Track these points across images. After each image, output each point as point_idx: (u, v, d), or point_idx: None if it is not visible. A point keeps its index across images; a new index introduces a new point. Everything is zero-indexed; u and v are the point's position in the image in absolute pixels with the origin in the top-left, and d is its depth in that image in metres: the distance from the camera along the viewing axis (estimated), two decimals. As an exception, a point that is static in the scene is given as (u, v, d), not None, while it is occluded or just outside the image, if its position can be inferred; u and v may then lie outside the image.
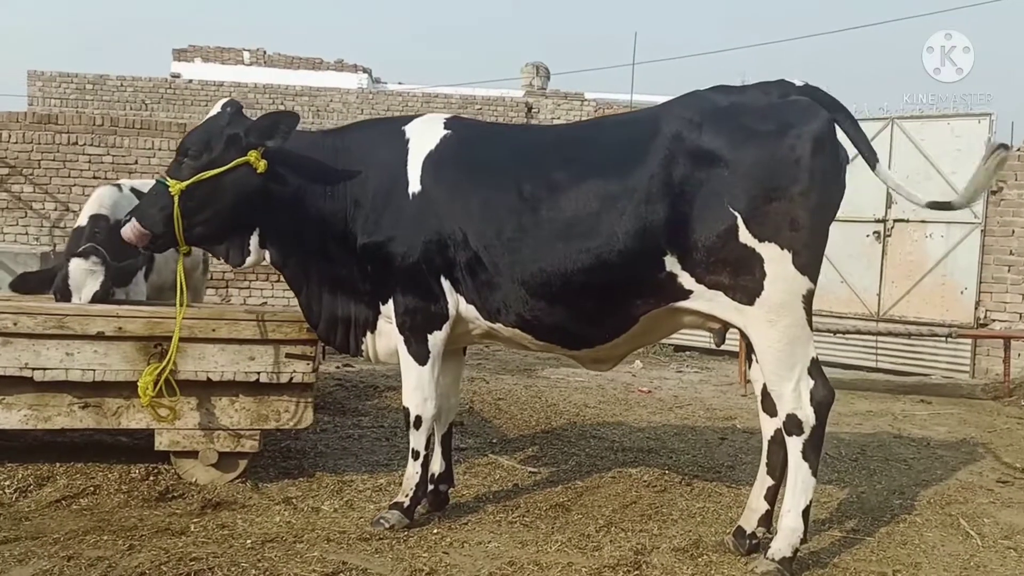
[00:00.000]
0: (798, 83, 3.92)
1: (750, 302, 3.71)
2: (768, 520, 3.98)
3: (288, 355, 4.53)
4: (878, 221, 10.64)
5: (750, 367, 4.14)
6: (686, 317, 3.95)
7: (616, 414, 7.09)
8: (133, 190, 6.25)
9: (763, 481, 4.02)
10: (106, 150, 11.85)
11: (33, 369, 4.30)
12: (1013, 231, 10.13)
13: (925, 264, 10.45)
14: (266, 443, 4.86)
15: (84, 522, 3.98)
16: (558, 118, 19.61)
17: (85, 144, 11.76)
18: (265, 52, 22.90)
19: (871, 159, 3.83)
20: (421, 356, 4.11)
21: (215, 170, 3.99)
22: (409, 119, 4.36)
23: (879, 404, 8.17)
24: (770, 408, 3.92)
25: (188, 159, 4.03)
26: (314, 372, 4.60)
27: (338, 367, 8.55)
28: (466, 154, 4.12)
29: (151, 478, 4.52)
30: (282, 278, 4.52)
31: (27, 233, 11.66)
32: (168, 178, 4.04)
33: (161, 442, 4.51)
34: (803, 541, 3.78)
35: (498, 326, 4.06)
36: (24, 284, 5.27)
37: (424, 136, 4.19)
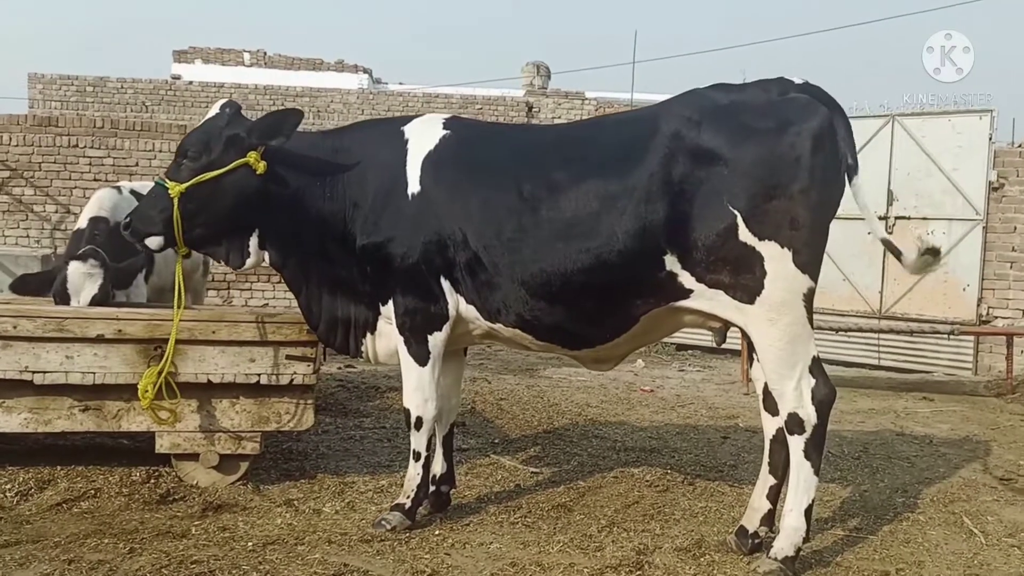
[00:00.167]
0: (797, 81, 3.90)
1: (751, 301, 3.69)
2: (770, 519, 3.97)
3: (288, 357, 4.52)
4: (879, 218, 10.61)
5: (752, 366, 4.12)
6: (687, 316, 3.94)
7: (618, 413, 7.08)
8: (133, 192, 6.25)
9: (765, 480, 4.00)
10: (107, 152, 11.86)
11: (33, 372, 4.30)
12: (1015, 228, 10.12)
13: (927, 261, 10.40)
14: (267, 445, 4.86)
15: (85, 525, 3.98)
16: (559, 117, 19.60)
17: (86, 146, 11.77)
18: (265, 53, 22.90)
19: (852, 168, 3.79)
20: (421, 357, 4.10)
21: (215, 172, 3.99)
22: (408, 119, 4.35)
23: (881, 402, 8.15)
24: (772, 407, 3.91)
25: (187, 161, 4.03)
26: (315, 374, 4.59)
27: (340, 368, 8.54)
28: (465, 154, 4.11)
29: (152, 481, 4.52)
30: (282, 279, 4.51)
31: (28, 236, 11.67)
32: (167, 180, 4.03)
33: (162, 445, 4.50)
34: (805, 540, 3.76)
35: (498, 326, 4.05)
36: (24, 286, 5.27)
37: (423, 136, 4.18)
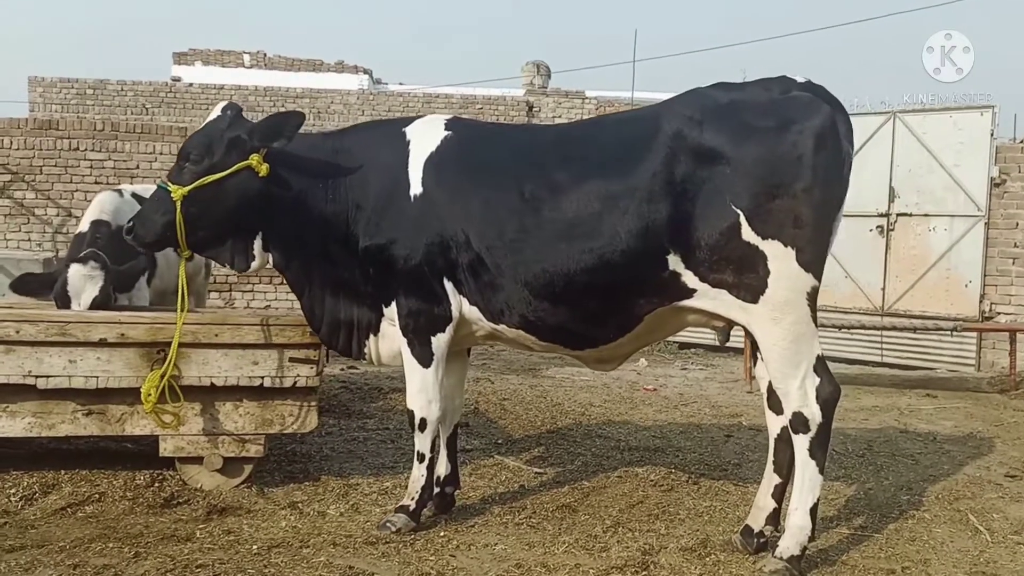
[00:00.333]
0: (799, 79, 3.90)
1: (754, 300, 3.69)
2: (776, 518, 3.97)
3: (292, 359, 4.52)
4: (881, 215, 10.62)
5: (755, 364, 4.11)
6: (690, 316, 3.93)
7: (622, 413, 7.07)
8: (135, 195, 6.25)
9: (770, 479, 4.00)
10: (107, 155, 11.86)
11: (36, 377, 4.30)
12: (1017, 223, 10.10)
13: (929, 258, 10.43)
14: (271, 447, 4.85)
15: (89, 530, 3.97)
16: (559, 116, 19.60)
17: (87, 149, 11.78)
18: (265, 55, 22.91)
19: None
20: (425, 358, 4.10)
21: (217, 174, 3.98)
22: (409, 120, 4.35)
23: (885, 399, 8.14)
24: (776, 406, 3.90)
25: (189, 164, 4.02)
26: (318, 376, 4.58)
27: (343, 369, 8.54)
28: (467, 155, 4.11)
29: (156, 484, 4.52)
30: (285, 281, 4.51)
31: (30, 239, 11.68)
32: (169, 183, 4.02)
33: (166, 448, 4.50)
34: (811, 539, 3.76)
35: (501, 327, 4.04)
36: (24, 286, 5.26)
37: (425, 137, 4.17)
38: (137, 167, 11.86)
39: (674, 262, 3.73)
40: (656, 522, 4.32)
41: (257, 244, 4.19)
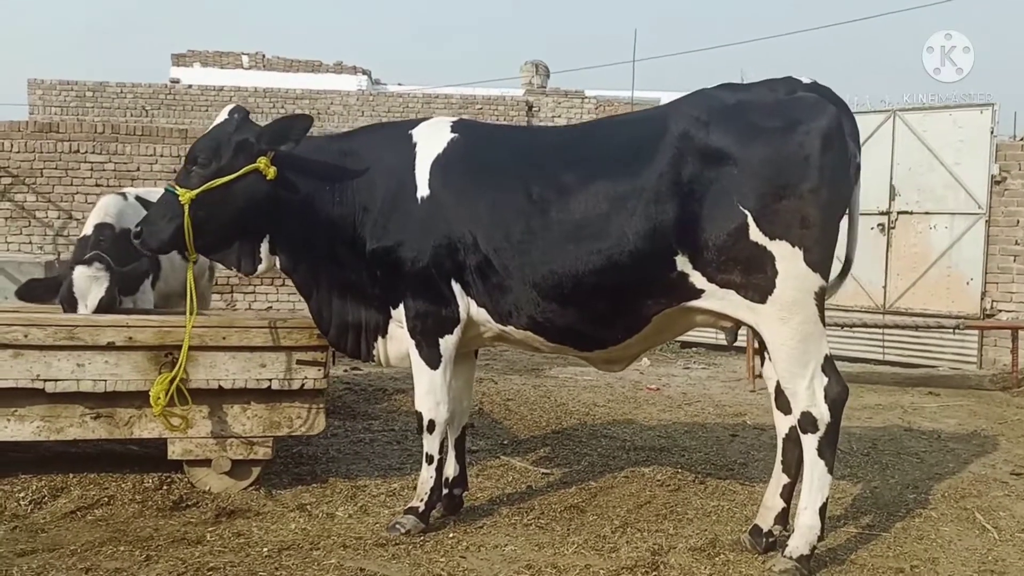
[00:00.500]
0: (805, 80, 3.91)
1: (762, 300, 3.70)
2: (784, 518, 3.98)
3: (300, 361, 4.53)
4: (882, 213, 10.62)
5: (763, 364, 4.12)
6: (698, 316, 3.94)
7: (626, 412, 7.08)
8: (138, 198, 6.26)
9: (779, 479, 4.01)
10: (108, 157, 11.85)
11: (45, 380, 4.30)
12: (1018, 221, 10.11)
13: (930, 256, 10.44)
14: (278, 449, 4.86)
15: (100, 533, 3.98)
16: (559, 116, 19.61)
17: (87, 152, 11.76)
18: (264, 56, 22.92)
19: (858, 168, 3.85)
20: (433, 360, 4.11)
21: (225, 177, 3.99)
22: (415, 123, 4.36)
23: (888, 397, 8.15)
24: (784, 406, 3.92)
25: (197, 167, 4.03)
26: (326, 378, 4.59)
27: (346, 371, 8.55)
28: (474, 157, 4.11)
29: (164, 487, 4.52)
30: (288, 282, 4.52)
31: (31, 242, 11.67)
32: (177, 187, 4.03)
33: (174, 451, 4.51)
34: (820, 538, 3.77)
35: (510, 329, 4.05)
36: (29, 292, 5.27)
37: (431, 139, 4.18)
38: (138, 169, 11.85)
39: (682, 263, 3.74)
40: (664, 522, 4.33)
41: (264, 247, 4.20)
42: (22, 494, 4.36)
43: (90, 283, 4.92)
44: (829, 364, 3.75)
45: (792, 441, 3.91)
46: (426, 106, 19.64)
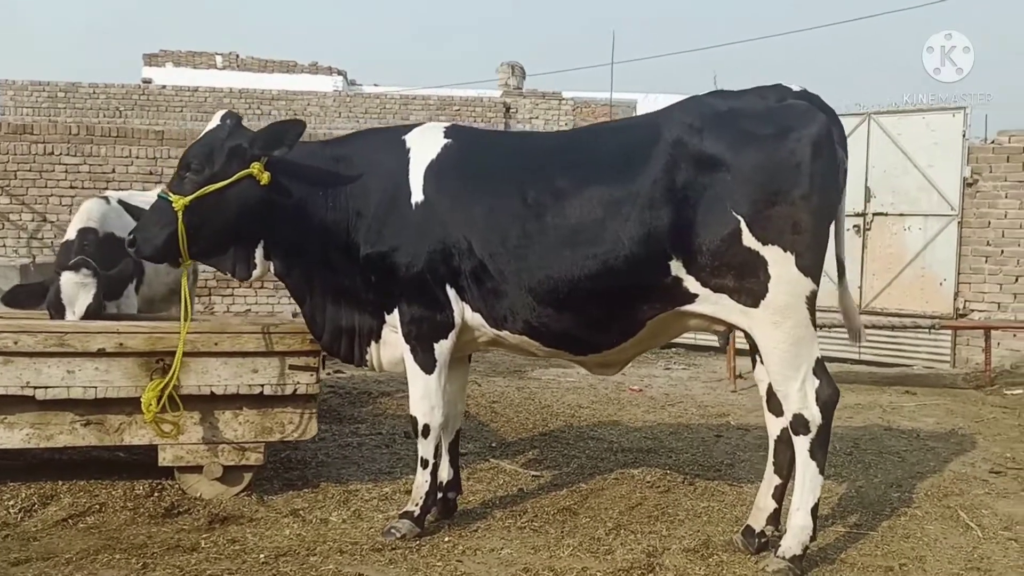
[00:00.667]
0: (795, 88, 3.97)
1: (755, 304, 3.76)
2: (776, 518, 4.04)
3: (292, 367, 4.52)
4: (858, 215, 10.76)
5: (754, 366, 4.18)
6: (692, 320, 3.99)
7: (611, 414, 7.13)
8: (121, 202, 6.22)
9: (770, 480, 4.07)
10: (83, 159, 11.70)
11: (35, 388, 4.27)
12: (989, 222, 10.30)
13: (905, 257, 10.60)
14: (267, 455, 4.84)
15: (93, 541, 3.95)
16: (536, 117, 19.66)
17: (61, 154, 11.61)
18: (238, 56, 22.75)
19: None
20: (428, 365, 4.12)
21: (219, 183, 3.98)
22: (408, 128, 4.37)
23: (866, 396, 8.27)
24: (776, 408, 3.98)
25: (191, 173, 4.01)
26: (317, 383, 4.59)
27: (329, 374, 8.51)
28: (468, 162, 4.13)
29: (156, 494, 4.50)
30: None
31: (5, 245, 11.51)
32: (171, 193, 4.01)
33: (165, 458, 4.48)
34: (812, 538, 3.83)
35: (505, 333, 4.07)
36: (14, 299, 5.21)
37: (425, 145, 4.20)
38: (113, 171, 11.71)
39: (676, 268, 3.79)
40: (657, 523, 4.38)
41: (259, 252, 4.19)
42: (11, 502, 4.32)
43: (78, 290, 4.88)
44: (820, 367, 3.82)
45: (784, 443, 3.98)
46: (403, 107, 19.58)
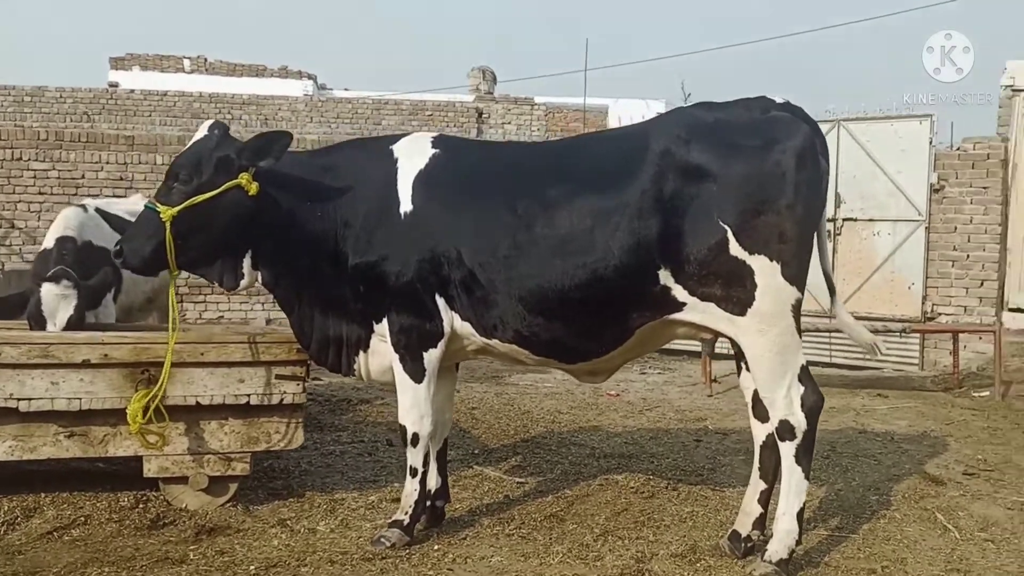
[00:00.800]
0: (778, 100, 4.05)
1: (742, 313, 3.82)
2: (762, 523, 4.10)
3: (278, 376, 4.51)
4: (828, 220, 10.89)
5: (739, 373, 4.23)
6: (680, 328, 4.04)
7: (590, 419, 7.18)
8: (98, 210, 6.17)
9: (756, 485, 4.13)
10: (51, 165, 11.54)
11: (18, 400, 4.21)
12: (956, 228, 10.51)
13: (874, 261, 10.79)
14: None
15: (80, 554, 3.92)
16: (508, 123, 19.71)
17: (30, 159, 11.45)
18: (206, 59, 22.53)
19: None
20: (417, 374, 4.14)
21: (207, 194, 3.97)
22: (396, 138, 4.39)
23: (839, 399, 8.40)
24: (761, 414, 4.04)
25: (178, 184, 4.00)
26: (304, 392, 4.59)
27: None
28: (456, 172, 4.16)
29: (141, 506, 4.46)
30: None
31: (-28, 252, 11.32)
32: (158, 204, 3.99)
33: (150, 469, 4.45)
34: (798, 542, 3.90)
35: (494, 342, 4.10)
36: None
37: (413, 155, 4.22)
38: (83, 177, 11.57)
39: (665, 277, 3.84)
40: (643, 529, 4.43)
41: (247, 262, 4.19)
42: (-6, 515, 4.26)
43: (59, 301, 4.83)
44: (805, 373, 3.89)
45: (769, 448, 4.04)
46: (376, 112, 19.55)
